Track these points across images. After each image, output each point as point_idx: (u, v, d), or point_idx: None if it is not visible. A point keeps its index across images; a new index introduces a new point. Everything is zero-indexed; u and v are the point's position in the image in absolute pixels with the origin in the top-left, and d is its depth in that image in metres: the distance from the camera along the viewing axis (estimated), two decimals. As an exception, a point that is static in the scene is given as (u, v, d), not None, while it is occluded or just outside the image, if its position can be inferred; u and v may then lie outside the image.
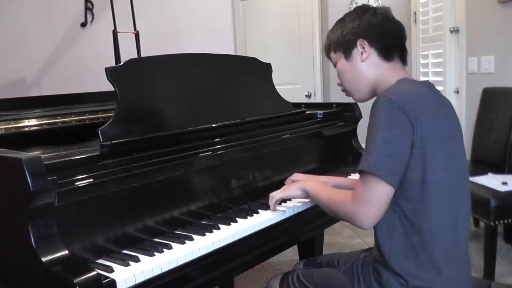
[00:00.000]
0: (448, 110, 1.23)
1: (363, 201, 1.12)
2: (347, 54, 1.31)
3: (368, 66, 1.29)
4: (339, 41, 1.32)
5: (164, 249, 1.17)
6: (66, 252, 1.02)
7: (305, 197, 1.41)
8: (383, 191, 1.11)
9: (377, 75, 1.29)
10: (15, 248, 1.09)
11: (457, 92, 3.56)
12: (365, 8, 1.32)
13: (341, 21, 1.35)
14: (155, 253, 1.15)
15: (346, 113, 2.00)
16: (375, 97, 1.29)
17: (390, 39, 1.29)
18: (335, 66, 1.37)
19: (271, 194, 1.43)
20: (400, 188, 1.13)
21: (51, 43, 3.90)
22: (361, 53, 1.29)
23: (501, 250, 2.60)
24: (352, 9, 1.35)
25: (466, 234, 1.23)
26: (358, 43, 1.28)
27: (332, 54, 1.37)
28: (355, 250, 1.49)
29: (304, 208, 1.50)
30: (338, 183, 1.49)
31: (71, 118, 1.79)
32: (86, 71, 3.55)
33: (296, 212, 1.47)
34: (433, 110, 1.15)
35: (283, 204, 1.49)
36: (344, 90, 1.38)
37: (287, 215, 1.44)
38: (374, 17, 1.28)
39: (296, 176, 1.49)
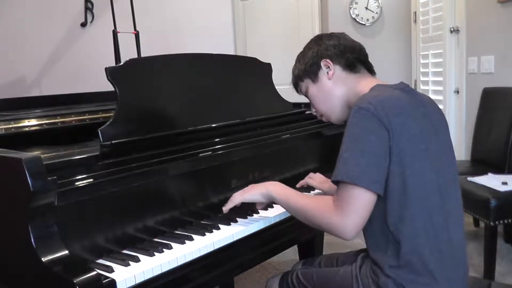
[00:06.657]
0: (426, 108, 1.21)
1: (348, 211, 1.09)
2: (314, 78, 1.35)
3: (336, 82, 1.32)
4: (304, 69, 1.37)
5: (164, 249, 1.17)
6: (66, 252, 1.02)
7: (267, 202, 1.35)
8: (367, 200, 1.10)
9: (347, 89, 1.31)
10: (15, 248, 1.09)
11: (457, 92, 3.56)
12: (319, 36, 1.39)
13: (301, 53, 1.40)
14: (155, 253, 1.15)
15: (346, 113, 2.00)
16: None
17: (351, 53, 1.32)
18: (305, 95, 1.41)
19: (233, 196, 1.36)
20: (383, 197, 1.12)
21: (51, 43, 3.91)
22: (327, 72, 1.33)
23: (501, 250, 2.60)
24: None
25: (460, 230, 1.22)
26: (322, 63, 1.33)
27: (301, 84, 1.41)
28: (354, 250, 1.49)
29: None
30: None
31: (71, 118, 1.79)
32: (86, 71, 3.56)
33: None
34: (408, 112, 1.14)
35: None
36: (321, 116, 1.42)
37: (282, 217, 1.43)
38: (331, 39, 1.34)
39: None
